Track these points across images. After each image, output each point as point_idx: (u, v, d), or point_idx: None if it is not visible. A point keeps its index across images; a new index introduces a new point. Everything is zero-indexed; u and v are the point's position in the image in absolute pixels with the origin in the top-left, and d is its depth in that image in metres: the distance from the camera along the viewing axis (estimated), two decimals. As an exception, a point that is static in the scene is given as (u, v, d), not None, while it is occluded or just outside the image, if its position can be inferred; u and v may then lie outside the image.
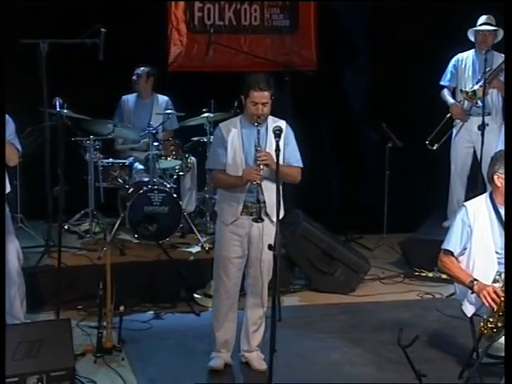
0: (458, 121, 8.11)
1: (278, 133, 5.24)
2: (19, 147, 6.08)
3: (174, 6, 9.09)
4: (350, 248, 8.03)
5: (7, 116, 5.99)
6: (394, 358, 5.86)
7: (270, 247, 4.97)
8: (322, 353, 6.26)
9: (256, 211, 5.60)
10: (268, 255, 5.58)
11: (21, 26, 7.79)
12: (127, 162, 7.92)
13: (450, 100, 8.15)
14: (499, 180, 5.43)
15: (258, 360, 5.90)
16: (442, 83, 8.24)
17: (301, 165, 5.75)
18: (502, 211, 5.45)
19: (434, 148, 8.17)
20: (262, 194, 5.59)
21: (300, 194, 8.47)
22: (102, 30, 7.28)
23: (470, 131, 8.03)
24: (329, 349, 6.33)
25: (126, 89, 8.37)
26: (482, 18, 7.93)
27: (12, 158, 5.96)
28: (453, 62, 8.17)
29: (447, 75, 8.20)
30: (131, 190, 7.65)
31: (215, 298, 5.92)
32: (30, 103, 7.27)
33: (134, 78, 8.31)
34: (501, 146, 6.47)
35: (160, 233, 7.49)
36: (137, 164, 7.96)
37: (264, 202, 5.60)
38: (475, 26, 7.97)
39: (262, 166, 5.50)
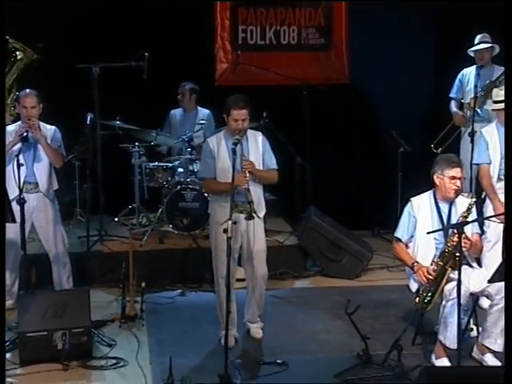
0: (463, 128, 9.08)
1: (236, 142, 6.38)
2: (64, 153, 7.53)
3: (220, 27, 10.18)
4: (356, 239, 8.94)
5: (54, 127, 7.44)
6: (366, 328, 6.82)
7: (224, 231, 6.04)
8: (307, 324, 7.36)
9: (246, 210, 6.48)
10: (258, 246, 6.74)
11: (76, 52, 9.04)
12: (170, 164, 9.04)
13: (453, 109, 9.13)
14: (438, 179, 6.44)
15: (256, 329, 7.06)
16: (450, 95, 9.22)
17: (276, 167, 6.81)
18: (441, 206, 6.49)
19: (439, 151, 9.02)
20: (250, 194, 6.51)
21: (329, 193, 9.63)
22: (146, 54, 8.72)
23: None
24: (314, 321, 7.43)
25: (172, 102, 9.49)
26: (478, 38, 8.86)
27: (58, 161, 7.42)
28: (459, 76, 9.14)
29: (454, 88, 9.18)
30: (171, 188, 8.84)
31: (217, 286, 6.83)
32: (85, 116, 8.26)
33: (179, 97, 9.44)
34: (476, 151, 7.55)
35: (192, 225, 8.65)
36: (179, 167, 9.06)
37: (252, 202, 6.50)
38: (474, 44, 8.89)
39: (247, 173, 6.49)
